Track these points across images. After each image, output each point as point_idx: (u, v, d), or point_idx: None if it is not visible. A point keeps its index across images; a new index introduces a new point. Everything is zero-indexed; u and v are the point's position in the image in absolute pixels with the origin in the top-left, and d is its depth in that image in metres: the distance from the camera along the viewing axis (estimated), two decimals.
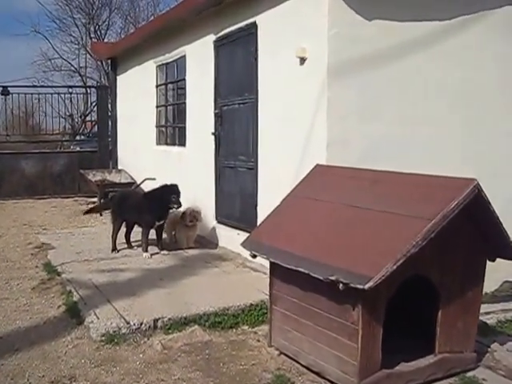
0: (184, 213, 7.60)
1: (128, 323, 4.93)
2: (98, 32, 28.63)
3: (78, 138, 21.01)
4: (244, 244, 4.59)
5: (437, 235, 3.59)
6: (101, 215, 10.88)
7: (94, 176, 11.92)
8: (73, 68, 29.25)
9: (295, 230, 4.37)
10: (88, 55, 27.90)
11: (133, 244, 7.84)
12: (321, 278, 3.74)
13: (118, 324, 4.91)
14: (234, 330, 5.10)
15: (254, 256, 4.45)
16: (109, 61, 14.37)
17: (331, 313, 3.92)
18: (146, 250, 7.36)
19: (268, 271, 5.89)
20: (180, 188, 7.42)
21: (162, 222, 7.57)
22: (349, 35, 5.65)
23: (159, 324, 5.00)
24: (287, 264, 4.07)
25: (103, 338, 4.80)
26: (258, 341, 4.86)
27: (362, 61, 5.68)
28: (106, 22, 29.08)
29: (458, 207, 3.68)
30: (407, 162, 5.15)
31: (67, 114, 20.40)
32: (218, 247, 7.85)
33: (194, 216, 7.57)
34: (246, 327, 5.16)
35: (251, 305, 5.36)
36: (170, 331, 4.95)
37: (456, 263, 4.05)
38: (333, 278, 3.64)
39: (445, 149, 6.00)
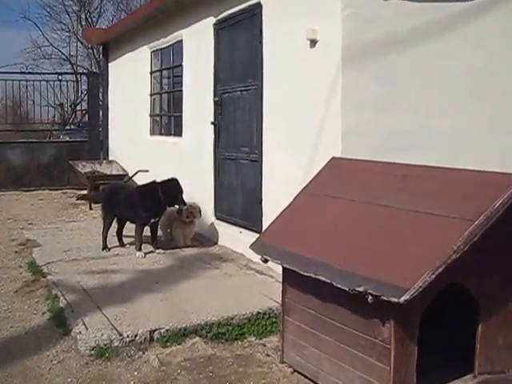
0: (180, 208, 7.09)
1: (121, 335, 4.41)
2: (90, 19, 28.04)
3: (67, 127, 20.47)
4: (254, 247, 4.06)
5: (478, 238, 3.07)
6: (90, 208, 10.39)
7: (84, 167, 11.40)
8: (63, 56, 28.64)
9: (312, 231, 3.84)
10: (79, 43, 27.31)
11: (125, 242, 7.30)
12: (346, 288, 3.22)
13: (110, 336, 4.39)
14: (240, 342, 4.58)
15: (266, 261, 3.93)
16: (100, 47, 13.81)
17: (356, 328, 3.42)
18: (140, 249, 6.85)
19: (275, 274, 5.48)
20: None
21: (157, 219, 7.06)
22: (365, 16, 5.16)
23: (156, 336, 4.48)
24: (305, 271, 3.55)
25: (92, 352, 4.28)
26: (268, 355, 4.36)
27: (380, 45, 5.17)
28: (98, 9, 28.47)
29: (502, 207, 3.15)
30: (428, 154, 4.73)
31: (57, 103, 19.85)
32: (217, 246, 7.32)
33: (191, 212, 7.07)
34: (252, 338, 4.64)
35: (258, 313, 4.85)
36: (167, 344, 4.43)
37: (496, 270, 3.53)
38: (360, 289, 3.13)
39: (468, 141, 5.51)
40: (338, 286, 3.26)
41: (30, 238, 7.87)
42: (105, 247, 7.08)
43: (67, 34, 28.46)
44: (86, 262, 6.46)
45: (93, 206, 10.46)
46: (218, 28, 7.34)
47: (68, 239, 7.76)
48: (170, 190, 6.94)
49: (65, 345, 4.47)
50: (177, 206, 7.09)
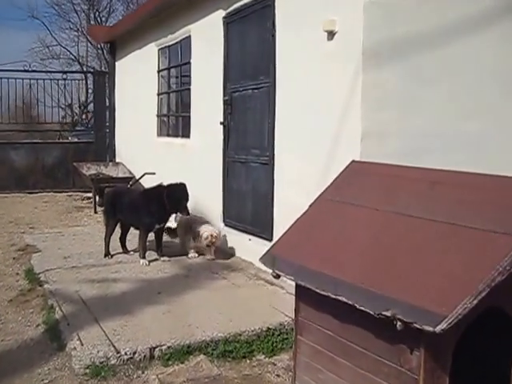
0: (199, 234, 6.54)
1: (118, 352, 4.04)
2: (99, 18, 27.72)
3: (77, 128, 20.19)
4: (264, 260, 3.66)
5: None
6: (95, 212, 10.07)
7: (89, 169, 11.08)
8: (72, 56, 28.37)
9: (331, 244, 3.44)
10: (88, 43, 27.00)
11: (129, 248, 6.94)
12: (371, 312, 2.81)
13: (106, 353, 4.02)
14: (248, 361, 4.20)
15: (278, 276, 3.52)
16: (107, 46, 13.51)
17: (380, 354, 3.00)
18: (144, 257, 6.47)
19: (286, 284, 5.08)
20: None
21: (162, 225, 6.67)
22: (388, 7, 4.76)
23: (157, 353, 4.11)
24: (323, 290, 3.14)
25: (87, 371, 3.92)
26: (278, 375, 3.99)
27: (405, 39, 4.77)
28: (107, 9, 28.20)
29: None
30: (456, 158, 4.32)
31: (66, 103, 19.57)
32: (225, 254, 6.89)
33: (211, 242, 6.49)
34: (262, 357, 4.26)
35: (268, 329, 4.47)
36: (169, 362, 4.06)
37: None
38: (388, 313, 2.72)
39: (498, 145, 5.10)
40: (362, 308, 2.86)
41: (30, 243, 7.56)
42: (107, 254, 6.72)
43: (76, 33, 28.24)
44: (87, 270, 6.11)
45: (98, 209, 10.16)
46: (228, 22, 6.96)
47: (69, 245, 7.42)
48: (175, 194, 6.55)
49: (58, 362, 4.13)
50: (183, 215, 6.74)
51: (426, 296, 2.69)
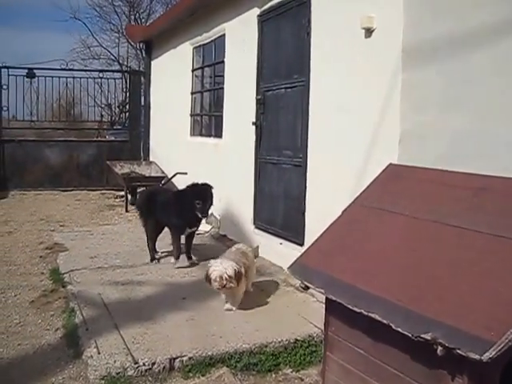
0: (206, 273, 4.76)
1: (136, 362, 3.82)
2: (139, 20, 27.77)
3: (115, 127, 20.24)
4: (293, 269, 3.40)
5: None
6: (127, 211, 9.96)
7: (122, 168, 10.98)
8: (112, 57, 28.50)
9: (365, 254, 3.16)
10: (129, 44, 27.06)
11: (159, 249, 6.70)
12: (408, 334, 2.53)
13: (124, 363, 3.81)
14: (274, 375, 3.94)
15: (306, 288, 3.26)
16: (143, 45, 13.45)
17: (417, 378, 2.73)
18: (178, 258, 6.26)
19: (317, 293, 4.79)
20: (213, 188, 6.32)
21: (194, 229, 6.36)
22: (431, 3, 4.43)
23: (177, 364, 3.88)
24: (354, 306, 2.87)
25: (102, 382, 3.70)
26: None
27: (448, 37, 4.41)
28: (147, 10, 28.23)
29: None
30: (501, 164, 3.91)
31: (105, 102, 19.65)
32: (255, 258, 6.61)
33: (221, 285, 4.63)
34: (288, 370, 4.00)
35: (296, 340, 4.20)
36: (190, 374, 3.84)
37: None
38: (427, 336, 2.45)
39: None
40: (399, 329, 2.58)
41: (58, 242, 7.44)
42: (153, 259, 6.45)
43: (116, 34, 28.35)
44: (112, 272, 5.94)
45: (129, 208, 10.05)
46: (263, 20, 6.72)
47: (97, 244, 7.28)
48: (200, 192, 6.18)
49: (73, 370, 3.94)
50: (200, 215, 6.16)
51: (472, 319, 2.41)
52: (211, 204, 6.20)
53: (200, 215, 6.09)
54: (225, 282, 4.58)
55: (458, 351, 2.31)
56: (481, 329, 2.31)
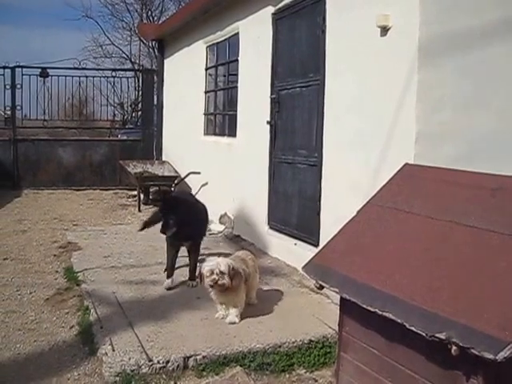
0: (199, 270, 4.55)
1: (150, 360, 3.83)
2: (151, 18, 27.85)
3: (127, 126, 20.29)
4: (307, 269, 3.39)
5: None
6: (139, 211, 9.97)
7: (135, 167, 10.97)
8: (124, 55, 28.61)
9: (380, 254, 3.15)
10: (141, 42, 27.17)
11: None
12: (423, 333, 2.52)
13: (138, 360, 3.82)
14: (288, 376, 3.93)
15: (321, 287, 3.25)
16: (156, 43, 13.42)
17: (431, 379, 2.72)
18: (168, 276, 5.47)
19: (332, 294, 4.77)
20: (186, 202, 5.70)
21: (189, 243, 5.58)
22: (447, 0, 4.41)
23: (191, 363, 3.89)
24: (368, 305, 2.87)
25: (117, 379, 3.72)
26: None
27: (465, 35, 4.41)
28: (160, 8, 28.32)
29: None
30: None
31: (117, 101, 19.70)
32: (269, 257, 6.63)
33: (214, 281, 4.34)
34: (302, 371, 3.99)
35: (310, 341, 4.19)
36: (203, 373, 3.84)
37: None
38: (442, 336, 2.44)
39: None
40: (412, 328, 2.57)
41: (72, 241, 7.47)
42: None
43: (128, 32, 28.47)
44: (126, 271, 5.95)
45: (142, 207, 10.06)
46: (277, 18, 6.70)
47: (111, 243, 7.30)
48: (163, 207, 5.54)
49: (88, 367, 3.97)
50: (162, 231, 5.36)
51: (486, 318, 2.40)
52: (177, 219, 5.28)
53: (161, 229, 5.34)
54: (216, 278, 4.28)
55: (473, 351, 2.30)
56: (495, 328, 2.31)
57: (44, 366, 3.99)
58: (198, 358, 3.89)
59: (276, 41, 6.75)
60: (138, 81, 19.55)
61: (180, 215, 5.30)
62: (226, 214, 8.22)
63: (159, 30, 12.15)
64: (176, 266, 5.66)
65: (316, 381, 3.86)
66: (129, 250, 6.89)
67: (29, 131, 13.60)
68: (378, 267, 3.03)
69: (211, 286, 4.37)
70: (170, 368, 3.82)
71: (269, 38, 6.84)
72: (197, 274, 4.58)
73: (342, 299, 3.25)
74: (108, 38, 28.50)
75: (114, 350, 3.96)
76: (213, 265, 4.35)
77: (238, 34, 8.03)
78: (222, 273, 4.31)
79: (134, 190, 11.38)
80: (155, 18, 27.92)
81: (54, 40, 49.43)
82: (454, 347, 2.39)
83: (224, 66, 9.11)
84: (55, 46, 48.07)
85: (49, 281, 5.85)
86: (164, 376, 3.77)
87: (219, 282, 4.31)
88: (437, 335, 2.45)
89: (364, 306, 2.89)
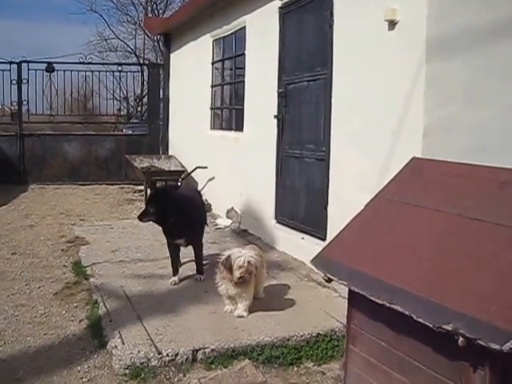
0: (228, 258, 4.44)
1: (160, 353, 3.88)
2: (156, 11, 27.79)
3: (132, 121, 20.28)
4: (315, 262, 3.41)
5: None
6: None
7: (141, 162, 10.94)
8: (129, 49, 28.61)
9: (388, 247, 3.16)
10: (146, 36, 27.14)
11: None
12: (430, 325, 2.54)
13: (147, 353, 3.86)
14: (296, 369, 3.96)
15: (329, 280, 3.26)
16: (162, 38, 13.38)
17: (439, 371, 2.72)
18: (173, 273, 5.47)
19: (339, 287, 4.79)
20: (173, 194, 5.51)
21: (178, 242, 5.50)
22: None
23: (199, 356, 3.93)
24: (376, 298, 2.87)
25: (127, 372, 3.77)
26: None
27: (473, 28, 4.41)
28: (164, 1, 28.27)
29: None
30: None
31: (122, 96, 19.68)
32: (276, 252, 6.64)
33: (248, 271, 4.36)
34: (310, 364, 4.01)
35: (318, 334, 4.22)
36: (212, 366, 3.87)
37: None
38: (449, 327, 2.45)
39: None
40: (420, 320, 2.58)
41: (79, 235, 7.51)
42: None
43: (133, 26, 28.46)
44: (134, 265, 5.98)
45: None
46: (284, 12, 6.68)
47: (118, 238, 7.33)
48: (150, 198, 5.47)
49: (98, 360, 4.01)
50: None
51: (492, 309, 2.41)
52: (157, 209, 5.20)
53: (138, 215, 5.38)
54: (250, 269, 4.30)
55: (479, 342, 2.31)
56: (502, 320, 2.32)
57: (54, 358, 4.03)
58: (206, 351, 3.93)
59: (283, 35, 6.72)
60: (142, 75, 19.56)
61: (164, 207, 5.19)
62: (232, 208, 8.23)
63: (165, 24, 12.11)
64: (183, 261, 5.72)
65: (324, 374, 3.88)
66: (136, 244, 6.91)
67: (34, 126, 13.58)
68: (386, 260, 3.05)
69: (240, 278, 4.31)
70: (179, 361, 3.85)
71: (276, 32, 6.81)
72: (221, 263, 4.44)
73: (350, 292, 3.26)
74: (113, 31, 28.55)
75: (123, 343, 4.00)
76: (246, 257, 4.33)
77: (244, 28, 8.00)
78: (254, 264, 4.37)
79: (140, 184, 11.40)
80: (160, 12, 27.89)
81: (58, 34, 49.46)
82: (461, 338, 2.40)
83: (230, 60, 9.08)
84: (60, 40, 48.10)
85: (57, 275, 5.88)
86: (173, 369, 3.81)
87: (253, 273, 4.35)
88: (444, 327, 2.46)
89: (372, 299, 2.89)
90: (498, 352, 2.27)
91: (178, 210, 5.23)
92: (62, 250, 6.89)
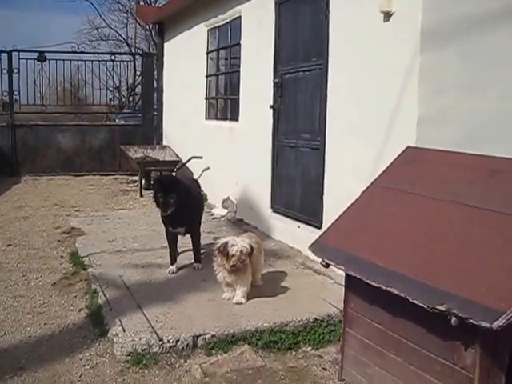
0: (225, 245, 4.50)
1: (161, 340, 3.94)
2: (148, 0, 27.60)
3: (124, 110, 20.23)
4: (313, 248, 3.50)
5: None
6: (141, 196, 10.00)
7: (135, 152, 10.93)
8: (120, 38, 28.44)
9: (384, 233, 3.26)
10: (137, 25, 26.99)
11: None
12: (424, 305, 2.64)
13: (149, 340, 3.92)
14: (294, 353, 4.04)
15: (327, 265, 3.36)
16: (156, 27, 13.31)
17: (432, 350, 2.86)
18: (171, 262, 5.54)
19: (335, 274, 4.92)
20: (181, 182, 5.62)
21: (177, 231, 5.55)
22: None
23: (200, 342, 4.00)
24: (373, 281, 2.98)
25: (129, 358, 3.83)
26: (324, 369, 3.82)
27: (467, 19, 4.47)
28: None
29: None
30: None
31: (114, 85, 19.60)
32: (272, 241, 6.71)
33: (240, 260, 4.43)
34: (308, 348, 4.10)
35: (315, 320, 4.30)
36: (212, 351, 3.95)
37: None
38: (442, 307, 2.58)
39: None
40: (415, 302, 2.69)
41: (74, 226, 7.50)
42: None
43: (125, 15, 28.24)
44: (131, 255, 6.02)
45: (143, 192, 10.09)
46: (280, 2, 6.70)
47: (114, 228, 7.36)
48: (160, 187, 5.35)
49: (100, 348, 4.06)
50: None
51: (483, 291, 2.55)
52: (177, 198, 5.23)
53: (161, 212, 5.33)
54: (243, 258, 4.38)
55: (471, 320, 2.44)
56: (492, 300, 2.44)
57: (56, 347, 4.07)
58: (206, 336, 4.00)
59: (279, 25, 6.74)
60: (135, 65, 19.48)
61: (178, 196, 5.24)
62: (228, 198, 8.28)
63: (159, 13, 12.03)
64: (180, 250, 5.78)
65: (321, 357, 3.97)
66: (132, 234, 6.95)
67: (25, 117, 13.47)
68: (382, 245, 3.15)
69: (233, 266, 4.39)
70: (180, 347, 3.92)
71: (271, 22, 6.83)
72: (217, 250, 4.51)
73: (347, 276, 3.36)
74: (104, 20, 28.25)
75: (124, 331, 4.05)
76: (241, 245, 4.41)
77: (240, 17, 8.00)
78: (247, 254, 4.43)
79: (134, 175, 11.42)
80: (152, 0, 27.72)
81: (49, 23, 49.03)
82: (453, 318, 2.52)
83: (226, 49, 9.06)
84: (50, 29, 47.71)
85: (54, 266, 5.89)
86: (174, 355, 3.88)
87: (244, 262, 4.42)
88: (437, 307, 2.58)
89: (369, 282, 3.00)
90: (488, 330, 2.40)
91: (181, 198, 5.28)
92: (58, 240, 6.90)
